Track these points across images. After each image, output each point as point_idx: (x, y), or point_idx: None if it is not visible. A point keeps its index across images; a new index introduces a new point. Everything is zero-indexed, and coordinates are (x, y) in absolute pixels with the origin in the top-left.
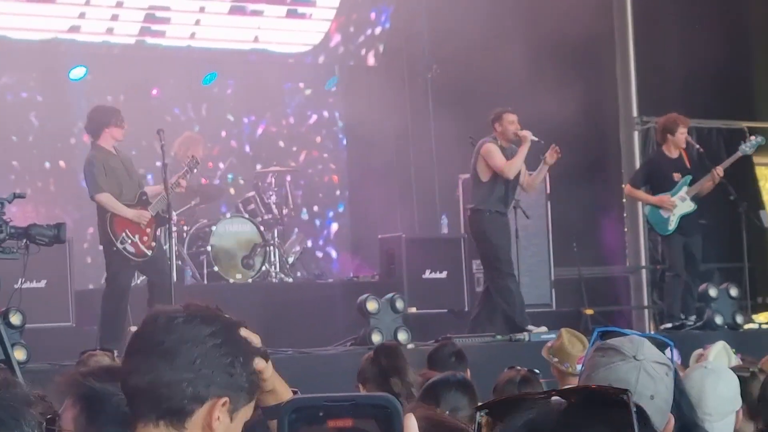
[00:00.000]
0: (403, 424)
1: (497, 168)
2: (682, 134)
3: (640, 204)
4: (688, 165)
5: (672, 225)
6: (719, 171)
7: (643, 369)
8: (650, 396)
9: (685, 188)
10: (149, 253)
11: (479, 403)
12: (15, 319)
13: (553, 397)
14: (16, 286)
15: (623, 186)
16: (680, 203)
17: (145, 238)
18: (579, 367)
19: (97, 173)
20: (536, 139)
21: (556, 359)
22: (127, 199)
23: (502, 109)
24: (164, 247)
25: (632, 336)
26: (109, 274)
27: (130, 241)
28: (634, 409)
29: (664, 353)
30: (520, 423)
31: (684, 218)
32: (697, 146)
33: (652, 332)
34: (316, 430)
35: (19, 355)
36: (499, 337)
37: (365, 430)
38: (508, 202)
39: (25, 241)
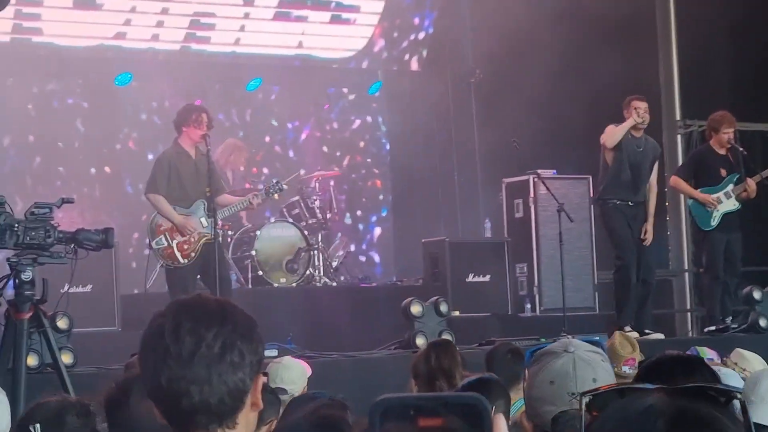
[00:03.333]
0: (493, 423)
1: (602, 143)
2: (725, 134)
3: (683, 207)
4: (734, 163)
5: (714, 221)
6: (751, 183)
7: (578, 358)
8: (593, 379)
9: (731, 186)
10: (183, 261)
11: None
12: (62, 323)
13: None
14: (62, 291)
15: (665, 188)
16: (725, 200)
17: (186, 246)
18: (625, 368)
19: (158, 172)
20: (640, 120)
21: None
22: (183, 203)
23: (632, 96)
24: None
25: (561, 339)
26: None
27: (165, 243)
28: (739, 409)
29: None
30: (632, 413)
31: (727, 215)
32: (741, 149)
33: (695, 336)
34: (406, 427)
35: (66, 359)
36: (543, 340)
37: (455, 428)
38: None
39: (72, 245)
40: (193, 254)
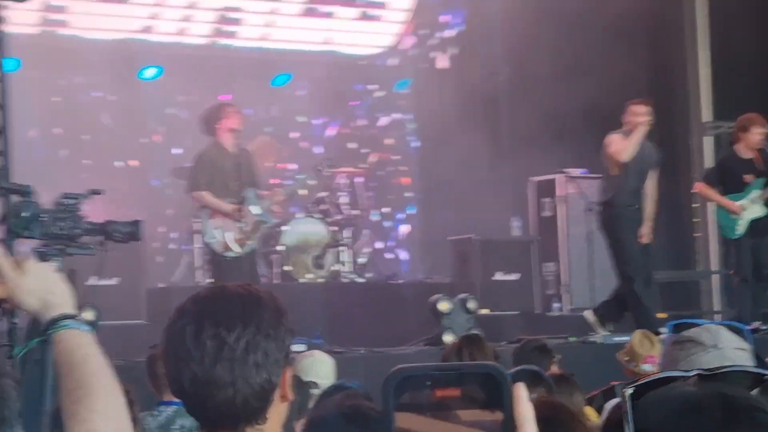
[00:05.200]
0: (513, 393)
1: (613, 154)
2: (757, 134)
3: (710, 209)
4: (761, 167)
5: (740, 229)
6: None
7: (725, 357)
8: None
9: (756, 191)
10: (238, 249)
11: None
12: (89, 315)
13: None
14: (89, 283)
15: (692, 189)
16: (750, 207)
17: (240, 236)
18: (645, 366)
19: (199, 170)
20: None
21: (626, 358)
22: (229, 198)
23: (631, 100)
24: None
25: (708, 325)
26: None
27: (218, 237)
28: None
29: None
30: (671, 402)
31: (754, 222)
32: None
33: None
34: (422, 399)
35: None
36: (572, 339)
37: (473, 399)
38: (640, 193)
39: (101, 237)
40: (250, 241)
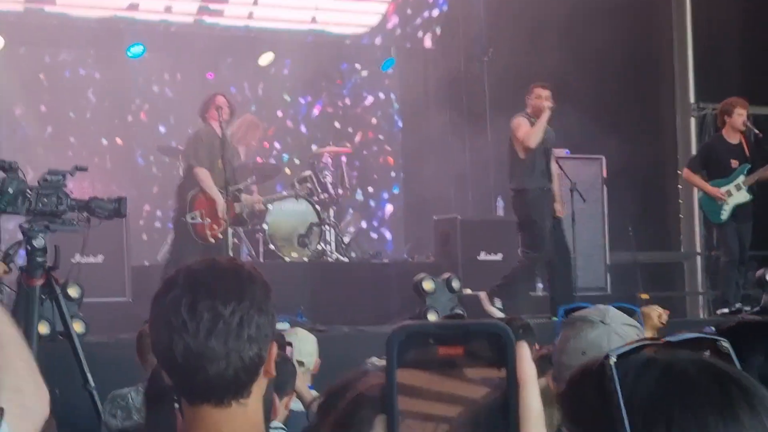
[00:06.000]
0: (517, 351)
1: (520, 137)
2: (739, 116)
3: (695, 190)
4: (747, 152)
5: (724, 215)
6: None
7: (613, 332)
8: None
9: (741, 177)
10: (211, 240)
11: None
12: (73, 291)
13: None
14: (74, 260)
15: (679, 171)
16: (735, 193)
17: (215, 227)
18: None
19: (199, 146)
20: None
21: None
22: (214, 177)
23: (535, 83)
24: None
25: (597, 305)
26: (173, 248)
27: (199, 220)
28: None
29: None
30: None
31: (738, 207)
32: (756, 131)
33: (706, 318)
34: (426, 356)
35: (77, 327)
36: (555, 318)
37: (478, 356)
38: (549, 174)
39: (85, 213)
40: (220, 236)
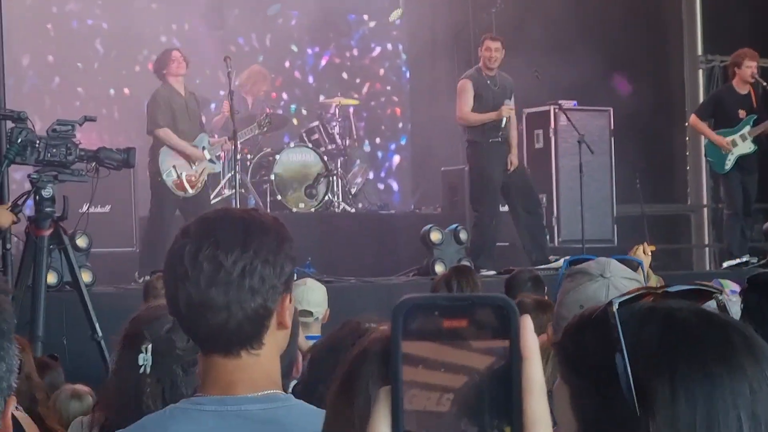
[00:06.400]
0: (520, 324)
1: (457, 113)
2: (748, 68)
3: (702, 142)
4: (755, 104)
5: (728, 165)
6: None
7: (612, 285)
8: None
9: (747, 127)
10: (191, 191)
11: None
12: (81, 242)
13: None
14: (82, 210)
15: (686, 124)
16: (740, 143)
17: (192, 178)
18: None
19: (156, 109)
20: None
21: None
22: (184, 139)
23: (485, 35)
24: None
25: (599, 258)
26: (152, 204)
27: (175, 175)
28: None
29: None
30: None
31: (742, 157)
32: (764, 83)
33: (713, 270)
34: (431, 328)
35: (85, 277)
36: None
37: (482, 329)
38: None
39: (94, 164)
40: (199, 185)
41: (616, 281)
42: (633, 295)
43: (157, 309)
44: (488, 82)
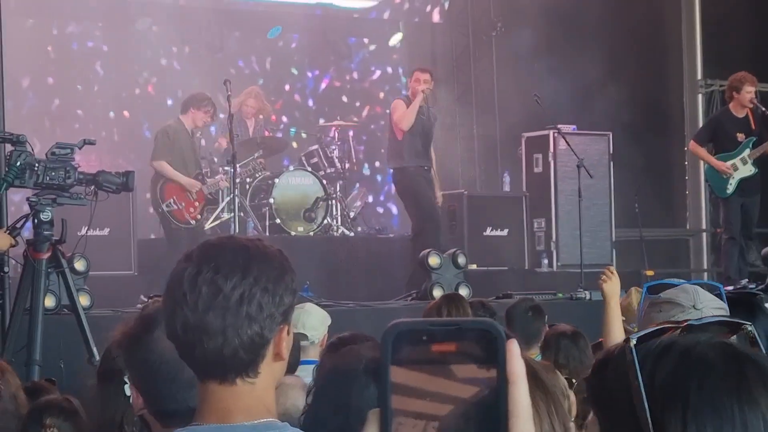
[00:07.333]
0: (507, 348)
1: (395, 123)
2: (748, 93)
3: (701, 167)
4: (753, 126)
5: (730, 189)
6: None
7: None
8: None
9: (747, 150)
10: (192, 222)
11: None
12: (80, 265)
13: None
14: (80, 234)
15: (685, 148)
16: (741, 166)
17: (191, 209)
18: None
19: (161, 143)
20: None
21: (622, 318)
22: (186, 174)
23: (417, 67)
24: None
25: (684, 286)
26: (166, 235)
27: (175, 207)
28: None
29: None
30: (673, 349)
31: (744, 180)
32: (763, 108)
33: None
34: (419, 353)
35: (83, 300)
36: (560, 295)
37: (469, 354)
38: (428, 155)
39: (92, 187)
40: (199, 216)
41: (708, 313)
42: (653, 329)
43: (126, 335)
44: (419, 112)
